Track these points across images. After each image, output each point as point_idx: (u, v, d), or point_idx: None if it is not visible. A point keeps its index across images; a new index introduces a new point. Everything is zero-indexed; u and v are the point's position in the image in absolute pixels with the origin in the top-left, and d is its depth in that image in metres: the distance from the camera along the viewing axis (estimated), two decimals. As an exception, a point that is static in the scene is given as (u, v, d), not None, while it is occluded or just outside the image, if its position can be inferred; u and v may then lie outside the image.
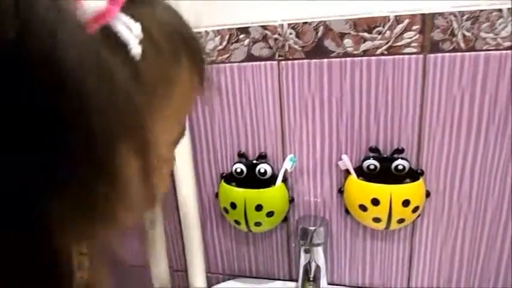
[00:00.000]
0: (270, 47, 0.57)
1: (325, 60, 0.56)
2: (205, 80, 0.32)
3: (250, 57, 0.58)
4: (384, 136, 0.57)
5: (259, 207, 0.59)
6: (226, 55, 0.59)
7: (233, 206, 0.61)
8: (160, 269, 0.70)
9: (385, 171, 0.57)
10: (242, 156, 0.63)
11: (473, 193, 0.57)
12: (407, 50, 0.53)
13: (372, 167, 0.57)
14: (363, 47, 0.54)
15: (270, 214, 0.60)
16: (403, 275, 0.64)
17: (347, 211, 0.62)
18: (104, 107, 0.19)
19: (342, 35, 0.54)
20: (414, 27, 0.52)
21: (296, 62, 0.57)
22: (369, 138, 0.58)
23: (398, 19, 0.52)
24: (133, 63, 0.22)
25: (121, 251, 0.26)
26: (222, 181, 0.63)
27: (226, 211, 0.63)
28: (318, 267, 0.59)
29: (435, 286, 0.63)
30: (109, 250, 0.29)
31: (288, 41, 0.56)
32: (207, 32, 0.59)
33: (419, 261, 0.63)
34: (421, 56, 0.52)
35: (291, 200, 0.63)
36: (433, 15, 0.51)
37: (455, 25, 0.50)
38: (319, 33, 0.55)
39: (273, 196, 0.60)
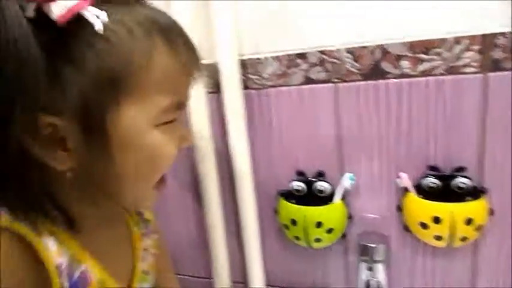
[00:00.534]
0: (327, 71, 0.60)
1: (382, 81, 0.57)
2: (195, 69, 0.39)
3: (308, 81, 0.61)
4: (443, 154, 0.58)
5: (319, 224, 0.61)
6: (285, 79, 0.62)
7: (293, 222, 0.63)
8: (222, 281, 0.74)
9: (445, 189, 0.57)
10: (301, 175, 0.65)
11: (540, 211, 0.56)
12: (467, 69, 0.53)
13: (432, 185, 0.58)
14: (421, 68, 0.55)
15: (329, 231, 0.62)
16: (465, 293, 0.64)
17: (406, 228, 0.62)
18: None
19: (399, 57, 0.56)
20: (473, 47, 0.52)
21: (353, 83, 0.59)
22: (428, 156, 0.58)
23: (457, 41, 0.52)
24: (102, 39, 0.31)
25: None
26: (282, 198, 0.66)
27: (287, 227, 0.66)
28: (378, 283, 0.60)
29: (500, 306, 0.62)
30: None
31: (345, 64, 0.58)
32: (266, 58, 0.62)
33: (482, 281, 0.62)
34: (481, 75, 0.53)
35: (349, 217, 0.65)
36: (493, 35, 0.51)
37: (517, 44, 0.50)
38: (376, 56, 0.57)
39: (333, 213, 0.62)
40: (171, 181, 0.75)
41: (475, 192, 0.56)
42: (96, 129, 0.33)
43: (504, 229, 0.58)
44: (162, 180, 0.42)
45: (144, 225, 0.53)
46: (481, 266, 0.61)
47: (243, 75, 0.64)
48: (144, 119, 0.35)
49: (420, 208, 0.58)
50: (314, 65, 0.60)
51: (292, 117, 0.64)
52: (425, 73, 0.55)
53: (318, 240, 0.63)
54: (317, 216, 0.62)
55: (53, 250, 0.37)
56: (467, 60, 0.53)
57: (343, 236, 0.66)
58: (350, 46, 0.57)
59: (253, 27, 0.62)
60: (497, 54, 0.51)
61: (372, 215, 0.64)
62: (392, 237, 0.64)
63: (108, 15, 0.31)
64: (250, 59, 0.63)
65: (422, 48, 0.54)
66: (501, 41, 0.51)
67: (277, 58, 0.62)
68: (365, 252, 0.59)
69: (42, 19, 0.29)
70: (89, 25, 0.30)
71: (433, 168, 0.58)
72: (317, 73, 0.60)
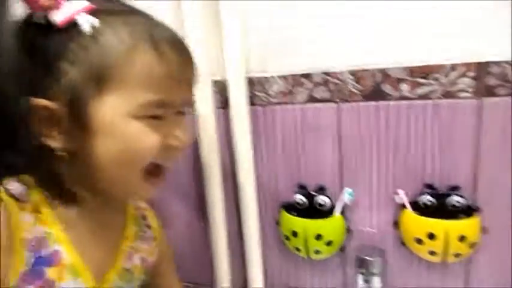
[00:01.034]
0: (330, 91, 0.63)
1: (383, 102, 0.60)
2: (183, 74, 0.44)
3: (312, 99, 0.64)
4: (439, 174, 0.61)
5: (319, 237, 0.64)
6: (290, 97, 0.65)
7: (294, 234, 0.66)
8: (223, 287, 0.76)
9: (440, 206, 0.60)
10: (302, 188, 0.68)
11: (530, 231, 0.58)
12: (462, 94, 0.56)
13: (428, 202, 0.60)
14: (419, 91, 0.58)
15: (329, 243, 0.65)
16: (458, 308, 0.66)
17: (402, 243, 0.65)
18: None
19: (399, 80, 0.59)
20: (469, 74, 0.55)
21: (355, 104, 0.62)
22: (424, 175, 0.61)
23: (453, 67, 0.56)
24: (91, 39, 0.38)
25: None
26: (284, 210, 0.69)
27: (288, 239, 0.68)
28: (374, 295, 0.63)
29: (492, 321, 0.64)
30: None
31: (347, 85, 0.62)
32: (273, 77, 0.65)
33: (475, 295, 0.64)
34: (476, 100, 0.56)
35: (348, 230, 0.67)
36: (487, 64, 0.54)
37: (509, 72, 0.54)
38: (377, 79, 0.60)
39: (332, 227, 0.65)
40: (176, 193, 0.78)
41: (468, 211, 0.59)
42: (81, 115, 0.39)
43: (496, 247, 0.61)
44: (156, 174, 0.45)
45: (144, 228, 0.57)
46: (474, 282, 0.64)
47: (250, 92, 0.67)
48: (124, 110, 0.40)
49: (416, 224, 0.61)
50: (318, 84, 0.63)
51: (296, 133, 0.67)
52: (423, 96, 0.58)
53: (317, 252, 0.66)
54: (317, 228, 0.64)
55: (27, 224, 0.40)
56: (462, 86, 0.56)
57: (342, 248, 0.69)
58: (353, 69, 0.61)
59: (261, 48, 0.65)
60: (492, 81, 0.55)
61: (370, 229, 0.67)
62: (389, 251, 0.67)
63: (103, 22, 0.39)
64: (257, 77, 0.66)
65: (421, 73, 0.57)
66: (494, 69, 0.54)
67: (283, 77, 0.65)
68: (362, 264, 0.62)
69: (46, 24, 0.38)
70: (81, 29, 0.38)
71: (429, 186, 0.61)
72: (321, 92, 0.64)
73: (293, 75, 0.64)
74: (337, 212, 0.65)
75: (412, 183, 0.62)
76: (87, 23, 0.38)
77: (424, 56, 0.57)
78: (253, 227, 0.71)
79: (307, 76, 0.63)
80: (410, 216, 0.61)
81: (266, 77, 0.66)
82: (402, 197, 0.62)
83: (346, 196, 0.64)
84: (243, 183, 0.69)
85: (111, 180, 0.43)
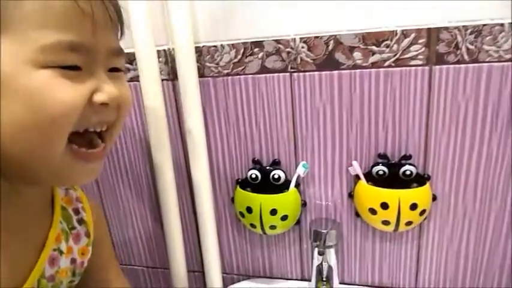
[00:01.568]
0: (283, 60, 0.60)
1: (336, 72, 0.59)
2: (95, 8, 0.34)
3: (263, 70, 0.61)
4: (392, 143, 0.60)
5: (274, 212, 0.63)
6: (241, 67, 0.62)
7: (249, 210, 0.64)
8: (178, 270, 0.73)
9: (393, 176, 0.60)
10: (257, 163, 0.66)
11: (477, 197, 0.60)
12: (413, 62, 0.56)
13: (380, 172, 0.60)
14: (372, 59, 0.57)
15: (284, 218, 0.63)
16: (410, 275, 0.67)
17: (357, 214, 0.65)
18: None
19: (352, 48, 0.57)
20: (420, 41, 0.55)
21: (308, 73, 0.60)
22: (378, 145, 0.61)
23: (405, 33, 0.55)
24: None
25: None
26: (238, 187, 0.67)
27: (243, 215, 0.66)
28: (330, 267, 0.63)
29: (441, 286, 0.67)
30: None
31: (300, 54, 0.59)
32: (222, 46, 0.62)
33: (426, 262, 0.66)
34: (427, 67, 0.55)
35: (304, 204, 0.66)
36: (438, 30, 0.53)
37: (459, 38, 0.53)
38: (330, 47, 0.58)
39: (287, 201, 0.63)
40: (125, 174, 0.74)
41: (420, 179, 0.60)
42: None
43: (445, 213, 0.62)
44: (91, 147, 0.37)
45: (74, 224, 0.48)
46: (425, 249, 0.65)
47: (199, 62, 0.63)
48: (22, 58, 0.31)
49: (369, 195, 0.61)
50: (270, 54, 0.60)
51: (248, 106, 0.64)
52: (375, 65, 0.57)
53: (272, 227, 0.64)
54: (271, 203, 0.63)
55: None
56: (414, 53, 0.55)
57: (297, 222, 0.68)
58: (305, 36, 0.58)
59: (209, 15, 0.61)
60: (442, 48, 0.54)
61: (325, 202, 0.66)
62: (344, 222, 0.67)
63: None
64: (206, 46, 0.62)
65: (373, 40, 0.56)
66: (445, 35, 0.53)
67: (233, 46, 0.61)
68: (317, 237, 0.61)
69: None
70: None
71: (382, 156, 0.61)
72: (273, 62, 0.61)
73: (244, 43, 0.61)
74: (292, 186, 0.63)
75: (366, 153, 0.62)
76: None
77: (376, 23, 0.56)
78: (206, 204, 0.68)
79: (258, 45, 0.60)
80: (364, 187, 0.61)
81: (215, 46, 0.62)
82: (356, 168, 0.62)
83: (301, 169, 0.63)
84: (195, 159, 0.66)
85: (23, 158, 0.33)
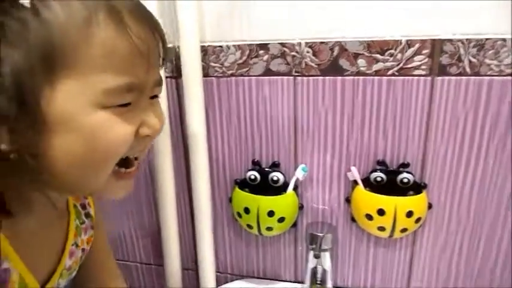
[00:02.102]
0: (288, 63, 0.61)
1: (339, 77, 0.59)
2: (153, 51, 0.36)
3: (268, 72, 0.62)
4: (391, 150, 0.61)
5: (271, 213, 0.63)
6: (246, 69, 0.63)
7: (246, 211, 0.65)
8: (172, 267, 0.74)
9: (390, 183, 0.61)
10: (256, 164, 0.67)
11: (471, 206, 0.61)
12: (416, 72, 0.56)
13: (378, 179, 0.61)
14: (375, 67, 0.58)
15: (281, 220, 0.64)
16: (403, 280, 0.68)
17: (353, 219, 0.66)
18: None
19: (356, 55, 0.58)
20: (424, 52, 0.55)
21: (311, 78, 0.60)
22: (377, 152, 0.62)
23: (409, 43, 0.55)
24: (34, 14, 0.31)
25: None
26: (236, 187, 0.67)
27: (240, 215, 0.67)
28: (324, 270, 0.63)
29: (433, 292, 0.68)
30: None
31: (304, 59, 0.60)
32: (228, 46, 0.62)
33: (418, 268, 0.67)
34: (429, 78, 0.56)
35: (301, 207, 0.67)
36: (442, 41, 0.54)
37: (462, 51, 0.54)
38: (335, 53, 0.58)
39: (285, 203, 0.64)
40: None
41: (417, 187, 0.61)
42: (30, 108, 0.32)
43: (440, 222, 0.63)
44: (127, 167, 0.40)
45: (83, 219, 0.52)
46: (418, 255, 0.66)
47: (204, 62, 0.63)
48: (84, 99, 0.33)
49: (366, 201, 0.61)
50: (275, 56, 0.61)
51: (251, 107, 0.64)
52: (379, 73, 0.58)
53: (269, 228, 0.65)
54: (269, 205, 0.63)
55: None
56: (417, 63, 0.56)
57: (294, 225, 0.68)
58: (310, 41, 0.59)
59: (216, 15, 0.62)
60: (445, 59, 0.55)
61: (322, 206, 0.67)
62: (340, 227, 0.67)
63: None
64: (212, 46, 0.63)
65: (378, 48, 0.57)
66: (448, 47, 0.54)
67: (239, 47, 0.62)
68: (313, 240, 0.62)
69: None
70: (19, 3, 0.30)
71: (380, 163, 0.62)
72: (278, 65, 0.61)
73: (249, 45, 0.61)
74: (290, 189, 0.64)
75: (365, 159, 0.63)
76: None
77: (381, 31, 0.56)
78: (204, 204, 0.68)
79: (263, 47, 0.61)
80: (361, 192, 0.62)
81: (221, 46, 0.62)
82: (354, 173, 0.62)
83: (300, 172, 0.63)
84: (195, 158, 0.66)
85: (75, 185, 0.37)
